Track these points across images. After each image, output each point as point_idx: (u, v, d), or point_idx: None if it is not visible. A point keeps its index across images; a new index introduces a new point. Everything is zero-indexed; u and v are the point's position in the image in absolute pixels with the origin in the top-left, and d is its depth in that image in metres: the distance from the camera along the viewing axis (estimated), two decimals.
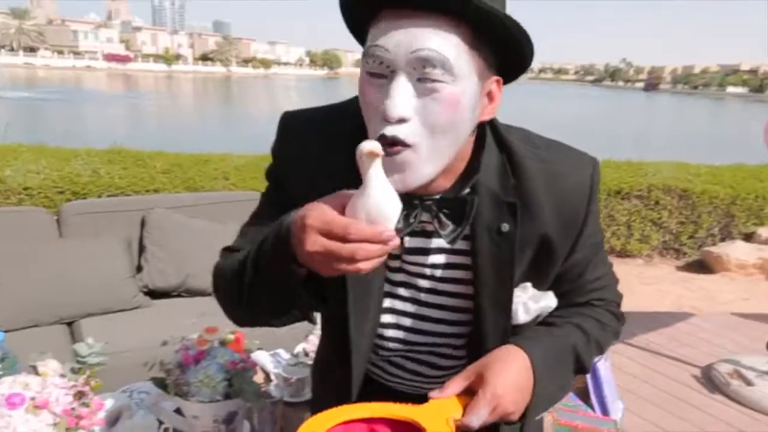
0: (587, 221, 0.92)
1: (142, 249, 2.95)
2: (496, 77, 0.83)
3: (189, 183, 4.18)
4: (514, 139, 0.91)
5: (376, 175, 0.68)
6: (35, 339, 2.42)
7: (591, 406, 2.46)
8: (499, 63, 0.82)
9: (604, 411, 2.50)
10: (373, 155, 0.67)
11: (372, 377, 1.06)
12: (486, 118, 0.85)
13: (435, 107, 0.76)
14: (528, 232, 0.89)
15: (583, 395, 2.50)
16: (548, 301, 0.96)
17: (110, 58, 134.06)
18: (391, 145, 0.76)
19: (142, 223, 2.98)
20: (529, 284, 0.94)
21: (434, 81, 0.75)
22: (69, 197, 3.83)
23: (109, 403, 1.51)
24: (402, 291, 0.98)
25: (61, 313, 2.64)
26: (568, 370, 0.95)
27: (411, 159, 0.78)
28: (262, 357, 1.97)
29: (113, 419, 1.52)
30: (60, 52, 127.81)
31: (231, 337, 1.74)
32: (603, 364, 2.56)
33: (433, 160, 0.79)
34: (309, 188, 0.79)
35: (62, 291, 2.62)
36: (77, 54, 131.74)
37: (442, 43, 0.74)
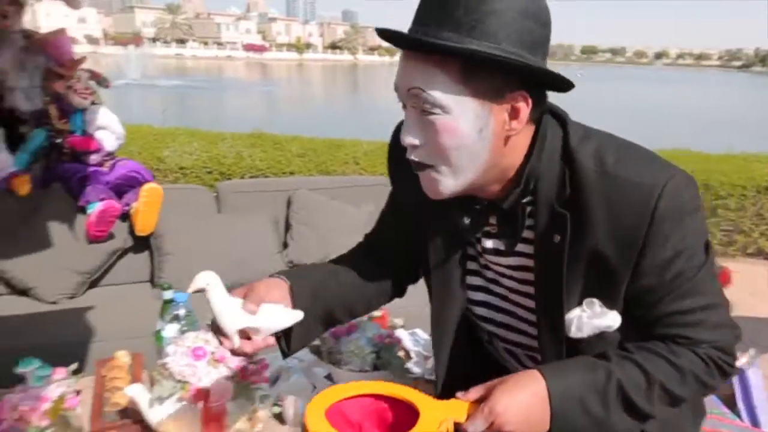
0: (649, 244, 0.87)
1: (288, 227, 3.17)
2: (519, 93, 0.86)
3: (322, 167, 4.39)
4: (584, 149, 0.91)
5: (212, 302, 0.94)
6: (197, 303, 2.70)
7: (738, 414, 2.32)
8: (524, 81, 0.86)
9: (754, 422, 2.34)
10: (199, 291, 0.94)
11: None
12: (514, 132, 0.89)
13: (435, 135, 0.87)
14: (579, 245, 0.90)
15: (730, 403, 2.36)
16: (609, 320, 0.93)
17: (248, 48, 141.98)
18: (416, 165, 0.91)
19: (288, 203, 3.21)
20: (595, 301, 0.93)
21: (430, 113, 0.86)
22: (217, 177, 4.17)
23: (271, 364, 1.67)
24: (480, 295, 1.10)
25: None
26: (608, 409, 0.88)
27: (434, 176, 0.91)
28: (403, 335, 2.06)
29: (274, 379, 1.68)
30: (205, 43, 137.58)
31: (378, 312, 1.84)
32: (754, 372, 2.39)
33: (455, 175, 0.90)
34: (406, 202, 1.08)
35: (221, 262, 2.89)
36: (220, 45, 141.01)
37: (427, 80, 0.84)
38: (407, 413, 0.89)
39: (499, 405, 0.85)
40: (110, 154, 3.08)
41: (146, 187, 2.81)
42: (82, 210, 2.79)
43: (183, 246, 2.89)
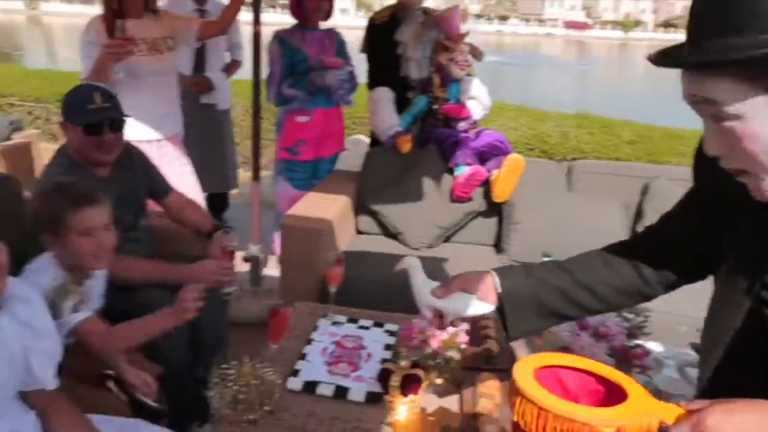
0: None
1: (639, 214, 3.06)
2: None
3: (653, 156, 4.06)
4: None
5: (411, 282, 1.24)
6: None
7: None
8: None
9: None
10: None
11: None
12: None
13: (737, 143, 0.81)
14: None
15: None
16: None
17: (569, 25, 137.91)
18: (734, 172, 0.85)
19: (644, 190, 3.08)
20: None
21: (724, 120, 0.80)
22: (538, 155, 4.17)
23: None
24: None
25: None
26: None
27: (756, 182, 0.83)
28: None
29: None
30: (526, 20, 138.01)
31: None
32: None
33: None
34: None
35: (565, 238, 2.92)
36: (541, 22, 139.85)
37: (711, 88, 0.79)
38: (618, 398, 0.89)
39: (711, 418, 0.79)
40: (475, 123, 3.34)
41: (510, 156, 2.97)
42: (450, 171, 3.09)
43: (531, 217, 3.00)
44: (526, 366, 0.95)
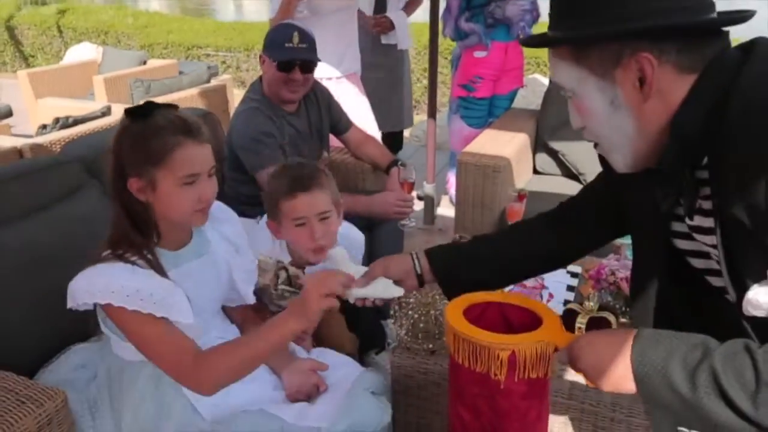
0: None
1: None
2: (639, 56, 0.85)
3: None
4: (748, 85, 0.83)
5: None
6: None
7: None
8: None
9: None
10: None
11: None
12: (651, 98, 0.88)
13: (580, 117, 0.97)
14: (722, 208, 0.84)
15: None
16: None
17: None
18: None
19: None
20: None
21: (571, 98, 0.96)
22: None
23: None
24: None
25: None
26: (695, 391, 0.80)
27: (604, 153, 1.00)
28: None
29: None
30: None
31: None
32: None
33: (616, 150, 0.95)
34: None
35: None
36: None
37: (554, 70, 0.97)
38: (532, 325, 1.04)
39: (580, 344, 0.95)
40: None
41: None
42: None
43: None
44: (457, 303, 1.10)
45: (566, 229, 1.26)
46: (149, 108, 1.22)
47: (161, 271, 1.21)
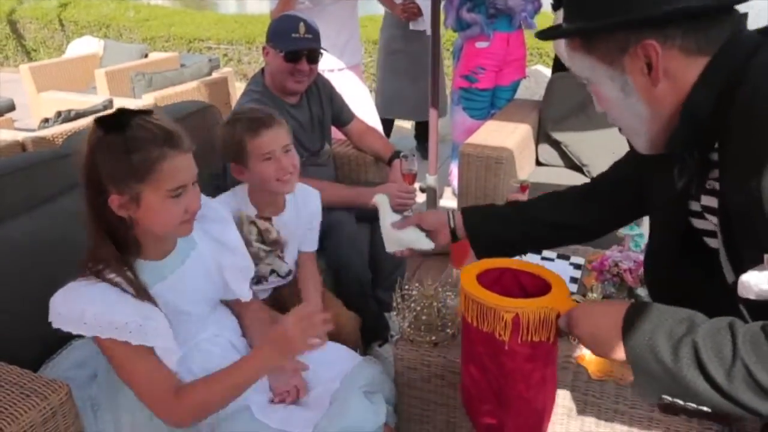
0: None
1: None
2: (645, 43, 0.88)
3: None
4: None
5: (380, 216, 1.41)
6: None
7: None
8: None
9: None
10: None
11: None
12: (660, 83, 0.90)
13: (597, 102, 1.03)
14: (723, 192, 0.89)
15: None
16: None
17: None
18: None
19: None
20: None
21: (589, 86, 1.02)
22: None
23: None
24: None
25: None
26: (678, 363, 0.83)
27: (626, 136, 1.05)
28: None
29: None
30: None
31: None
32: None
33: (636, 134, 1.01)
34: None
35: None
36: None
37: (570, 61, 1.02)
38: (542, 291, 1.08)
39: (578, 311, 0.99)
40: None
41: None
42: None
43: None
44: (473, 267, 1.15)
45: (597, 202, 1.32)
46: (124, 117, 1.13)
47: (141, 290, 1.16)
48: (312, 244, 1.83)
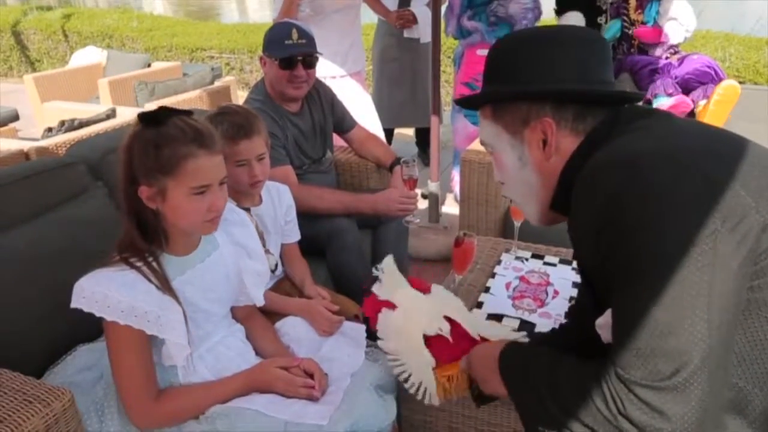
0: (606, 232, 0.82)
1: None
2: (543, 119, 0.96)
3: None
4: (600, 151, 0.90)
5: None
6: None
7: None
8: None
9: None
10: None
11: None
12: (551, 159, 0.98)
13: (498, 172, 1.08)
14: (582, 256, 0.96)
15: None
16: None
17: None
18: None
19: None
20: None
21: (491, 154, 1.08)
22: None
23: None
24: None
25: None
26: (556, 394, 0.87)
27: (516, 205, 1.13)
28: None
29: None
30: None
31: None
32: None
33: (525, 203, 1.07)
34: None
35: None
36: None
37: (480, 127, 1.08)
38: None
39: (471, 353, 1.13)
40: (677, 48, 2.96)
41: (724, 84, 2.59)
42: (648, 103, 2.78)
43: None
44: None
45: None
46: (163, 114, 1.20)
47: (164, 282, 1.22)
48: (294, 235, 1.87)
